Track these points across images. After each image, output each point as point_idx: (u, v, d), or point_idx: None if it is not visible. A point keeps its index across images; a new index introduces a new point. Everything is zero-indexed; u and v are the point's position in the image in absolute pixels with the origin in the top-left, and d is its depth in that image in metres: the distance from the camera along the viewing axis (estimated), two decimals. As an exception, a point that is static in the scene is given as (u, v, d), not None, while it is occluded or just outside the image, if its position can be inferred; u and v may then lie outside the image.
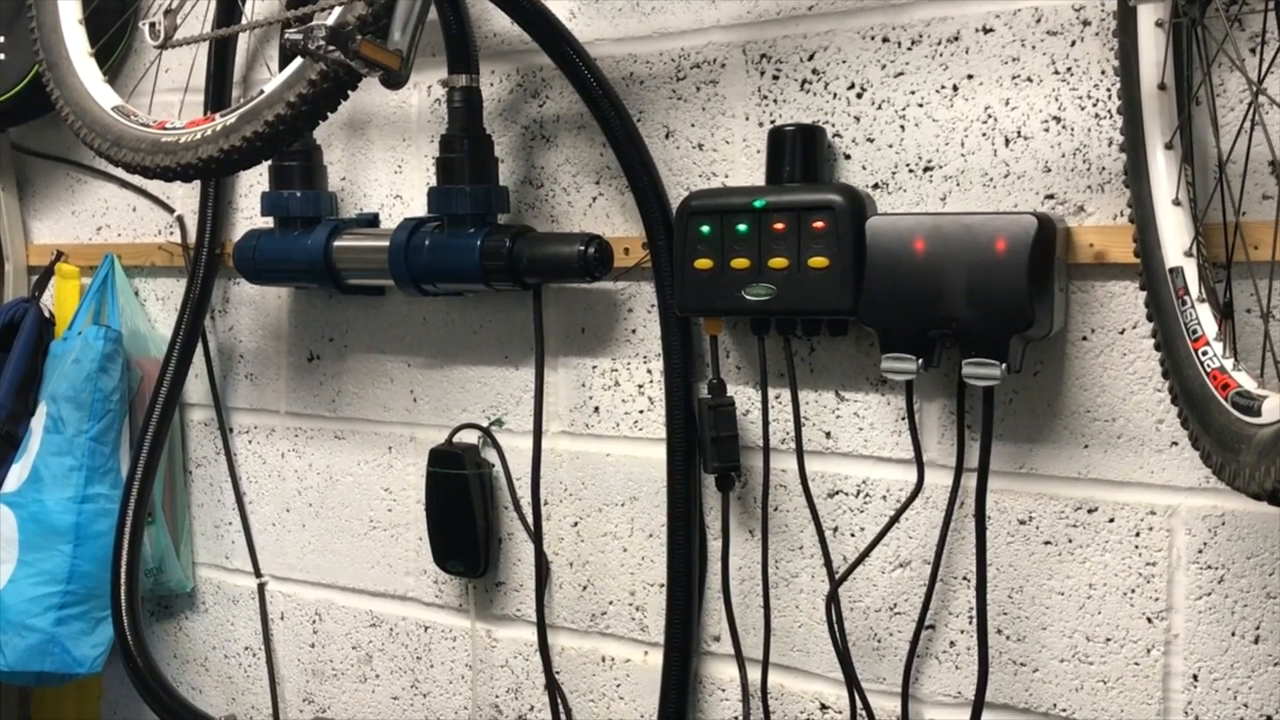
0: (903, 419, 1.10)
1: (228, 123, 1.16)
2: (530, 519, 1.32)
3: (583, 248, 1.20)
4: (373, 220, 1.40)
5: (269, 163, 1.38)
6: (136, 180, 1.58)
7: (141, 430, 1.48)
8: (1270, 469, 0.65)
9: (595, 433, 1.29)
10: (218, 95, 1.46)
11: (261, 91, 1.15)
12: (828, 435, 1.16)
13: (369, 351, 1.44)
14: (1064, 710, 1.07)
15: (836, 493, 1.16)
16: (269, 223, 1.41)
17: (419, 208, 1.36)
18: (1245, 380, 0.78)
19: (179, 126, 1.21)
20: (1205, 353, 0.83)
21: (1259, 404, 0.72)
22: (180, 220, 1.57)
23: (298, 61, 1.12)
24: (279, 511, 1.53)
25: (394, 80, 1.00)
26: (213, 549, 1.59)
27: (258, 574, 1.54)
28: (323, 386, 1.48)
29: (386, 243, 1.28)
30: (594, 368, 1.29)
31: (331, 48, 0.96)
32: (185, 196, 1.57)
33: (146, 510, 1.48)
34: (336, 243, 1.34)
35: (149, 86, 1.52)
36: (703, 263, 1.12)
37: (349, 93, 1.13)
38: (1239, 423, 0.74)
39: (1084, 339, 1.04)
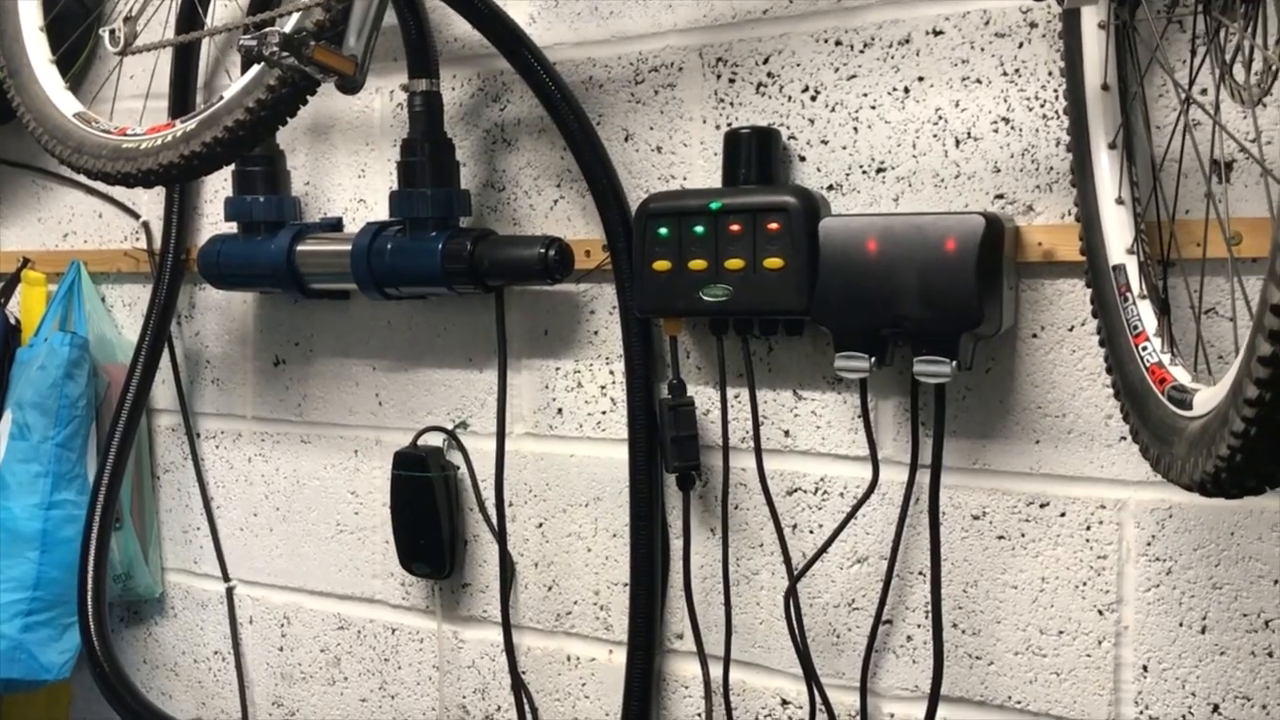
0: (859, 417, 1.12)
1: (188, 129, 1.17)
2: (495, 520, 1.33)
3: (543, 250, 1.21)
4: (336, 224, 1.40)
5: (233, 168, 1.39)
6: (101, 186, 1.59)
7: (108, 436, 1.48)
8: (1198, 461, 0.67)
9: (559, 434, 1.30)
10: (180, 102, 1.46)
11: (221, 97, 1.16)
12: (786, 434, 1.18)
13: (334, 355, 1.45)
14: (1018, 702, 1.08)
15: (795, 490, 1.17)
16: (234, 228, 1.42)
17: (383, 212, 1.37)
18: (1181, 375, 0.80)
19: (140, 133, 1.22)
20: (1145, 348, 0.85)
21: (1191, 397, 0.74)
22: (146, 226, 1.58)
23: (257, 67, 1.13)
24: (246, 516, 1.53)
25: (349, 85, 1.01)
26: (181, 554, 1.59)
27: (226, 578, 1.55)
28: (289, 391, 1.48)
29: (349, 247, 1.29)
30: (557, 369, 1.30)
31: (285, 53, 0.97)
32: (151, 202, 1.57)
33: (114, 516, 1.48)
34: (299, 247, 1.35)
35: (117, 93, 1.53)
36: (661, 264, 1.13)
37: (308, 98, 1.13)
38: (1173, 416, 0.75)
39: (1034, 336, 1.06)
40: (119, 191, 1.59)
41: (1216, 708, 1.00)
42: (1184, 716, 1.01)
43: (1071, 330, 1.04)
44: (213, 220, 1.52)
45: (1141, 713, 1.03)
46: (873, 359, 1.04)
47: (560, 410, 1.30)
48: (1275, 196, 0.54)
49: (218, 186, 1.51)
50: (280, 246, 1.35)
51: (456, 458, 1.36)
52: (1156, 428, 0.78)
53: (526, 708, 1.33)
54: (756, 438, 1.16)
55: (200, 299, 1.55)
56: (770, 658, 1.19)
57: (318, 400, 1.46)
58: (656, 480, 1.23)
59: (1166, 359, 0.82)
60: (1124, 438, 1.02)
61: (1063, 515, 1.05)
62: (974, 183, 1.07)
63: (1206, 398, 0.70)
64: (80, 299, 1.57)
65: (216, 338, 1.54)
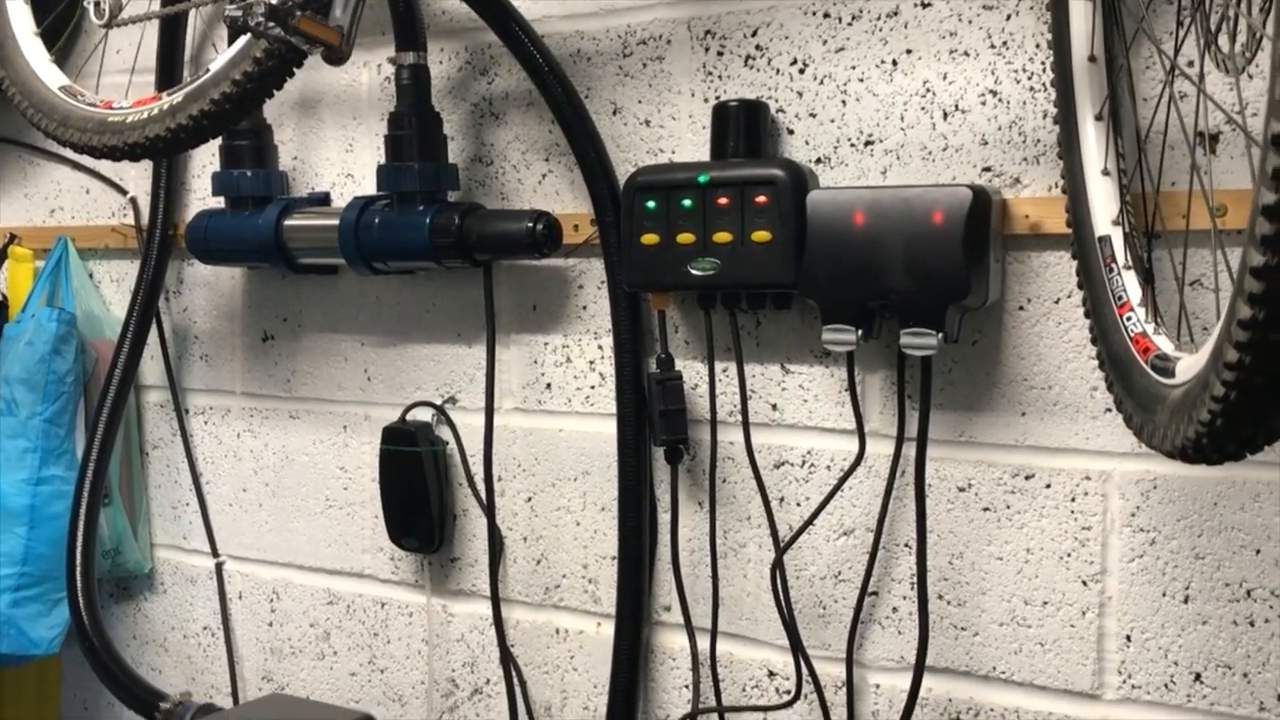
0: (846, 390, 1.12)
1: (174, 101, 1.17)
2: (484, 495, 1.33)
3: (531, 224, 1.21)
4: (324, 199, 1.40)
5: (220, 142, 1.38)
6: (89, 162, 1.58)
7: (96, 412, 1.48)
8: (1180, 427, 0.67)
9: (548, 409, 1.31)
10: (167, 75, 1.45)
11: (207, 70, 1.15)
12: (774, 407, 1.18)
13: (323, 331, 1.44)
14: (1003, 673, 1.09)
15: (782, 463, 1.18)
16: (222, 204, 1.41)
17: (371, 186, 1.36)
18: (1165, 344, 0.80)
19: (126, 106, 1.22)
20: (1129, 318, 0.85)
21: (1174, 365, 0.74)
22: (133, 202, 1.57)
23: (244, 39, 1.13)
24: (236, 492, 1.53)
25: (335, 56, 1.01)
26: (170, 530, 1.59)
27: (215, 554, 1.55)
28: (277, 366, 1.48)
29: (336, 221, 1.29)
30: (546, 344, 1.30)
31: (271, 23, 0.96)
32: (138, 178, 1.57)
33: (102, 492, 1.48)
34: (287, 222, 1.34)
35: (107, 67, 1.52)
36: (649, 238, 1.13)
37: (294, 70, 1.13)
38: (1156, 384, 0.76)
39: (1020, 309, 1.06)
40: (106, 167, 1.59)
41: (1199, 676, 1.01)
42: (1166, 685, 1.02)
43: (1058, 302, 1.05)
44: (200, 196, 1.52)
45: (1124, 682, 1.04)
46: (860, 332, 1.04)
47: (549, 385, 1.30)
48: (1256, 160, 0.54)
49: (205, 162, 1.50)
50: (268, 221, 1.34)
51: (445, 433, 1.36)
52: (1140, 396, 0.79)
53: (515, 680, 1.33)
54: (744, 411, 1.17)
55: (188, 275, 1.54)
56: (757, 629, 1.20)
57: (306, 376, 1.46)
58: (645, 454, 1.23)
59: (1150, 328, 0.83)
60: (1109, 410, 1.03)
61: (1048, 487, 1.06)
62: (961, 155, 1.07)
63: (1188, 365, 0.70)
64: (68, 275, 1.57)
65: (205, 313, 1.54)
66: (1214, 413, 0.61)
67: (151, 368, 1.57)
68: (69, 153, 1.45)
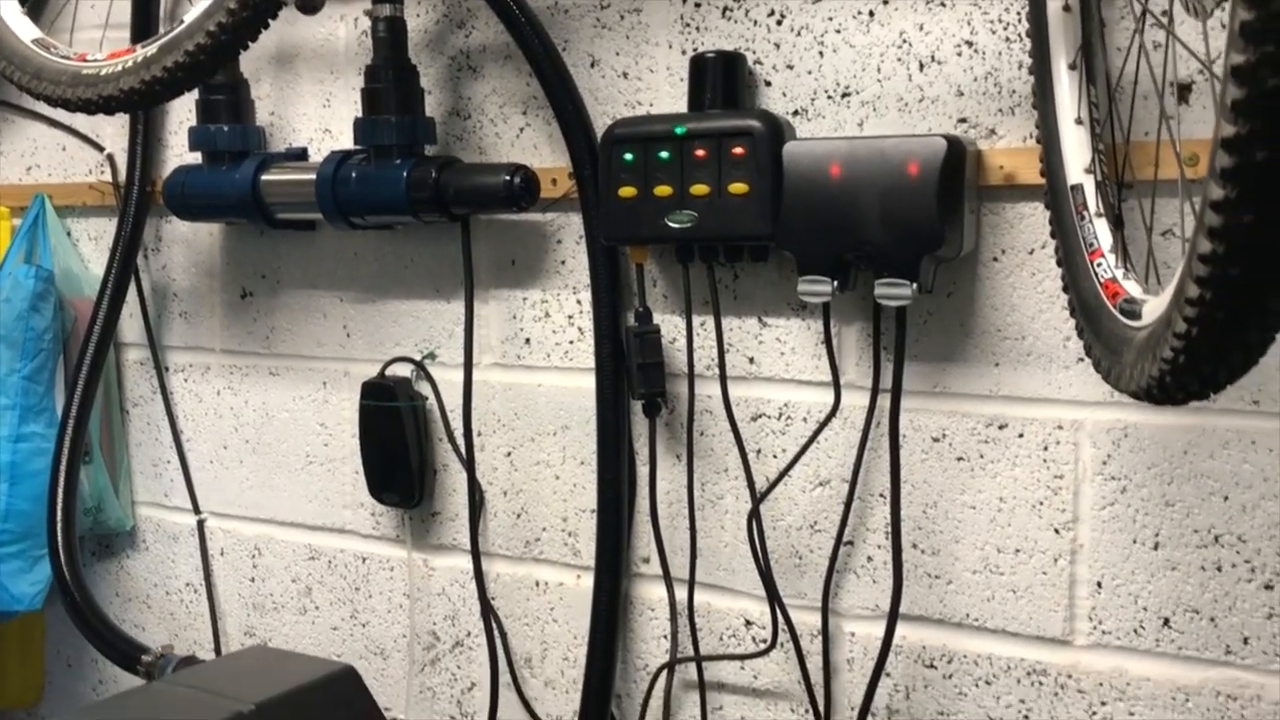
0: (823, 343, 1.13)
1: (148, 54, 1.16)
2: (464, 450, 1.34)
3: (508, 177, 1.21)
4: (301, 154, 1.39)
5: (196, 97, 1.37)
6: (65, 118, 1.57)
7: (75, 369, 1.48)
8: (1144, 366, 0.68)
9: (526, 364, 1.31)
10: (142, 28, 1.44)
11: (182, 22, 1.14)
12: (751, 360, 1.18)
13: (301, 287, 1.44)
14: (976, 620, 1.10)
15: (759, 416, 1.18)
16: (199, 159, 1.41)
17: (348, 142, 1.36)
18: (1133, 288, 0.81)
19: (100, 59, 1.20)
20: (1100, 264, 0.86)
21: (1141, 308, 0.75)
22: (111, 159, 1.56)
23: (218, -10, 1.12)
24: (216, 449, 1.53)
25: (309, 5, 1.01)
26: (152, 487, 1.59)
27: (197, 511, 1.55)
28: (256, 323, 1.48)
29: (313, 176, 1.28)
30: (524, 299, 1.30)
31: (244, -29, 0.95)
32: (115, 135, 1.56)
33: (83, 449, 1.48)
34: (264, 176, 1.34)
35: (81, 22, 1.51)
36: (626, 191, 1.13)
37: (269, 21, 1.12)
38: (1124, 327, 0.76)
39: (995, 260, 1.07)
40: (83, 123, 1.58)
41: (1167, 621, 1.03)
42: (1135, 630, 1.04)
43: (1032, 253, 1.05)
44: (178, 152, 1.51)
45: (1095, 627, 1.05)
46: (835, 283, 1.04)
47: (528, 340, 1.30)
48: (1218, 93, 0.55)
49: (182, 118, 1.49)
50: (245, 176, 1.34)
51: (425, 388, 1.36)
52: (1108, 340, 0.79)
53: (496, 632, 1.34)
54: (721, 365, 1.17)
55: (166, 231, 1.54)
56: (734, 580, 1.21)
57: (285, 332, 1.46)
58: (623, 408, 1.24)
59: (1120, 274, 0.83)
60: (1081, 359, 1.03)
61: (1021, 436, 1.07)
62: (937, 106, 1.08)
63: (1154, 307, 0.71)
64: (45, 233, 1.56)
65: (183, 270, 1.53)
66: (1177, 350, 0.62)
67: (131, 325, 1.57)
68: (45, 109, 1.44)
